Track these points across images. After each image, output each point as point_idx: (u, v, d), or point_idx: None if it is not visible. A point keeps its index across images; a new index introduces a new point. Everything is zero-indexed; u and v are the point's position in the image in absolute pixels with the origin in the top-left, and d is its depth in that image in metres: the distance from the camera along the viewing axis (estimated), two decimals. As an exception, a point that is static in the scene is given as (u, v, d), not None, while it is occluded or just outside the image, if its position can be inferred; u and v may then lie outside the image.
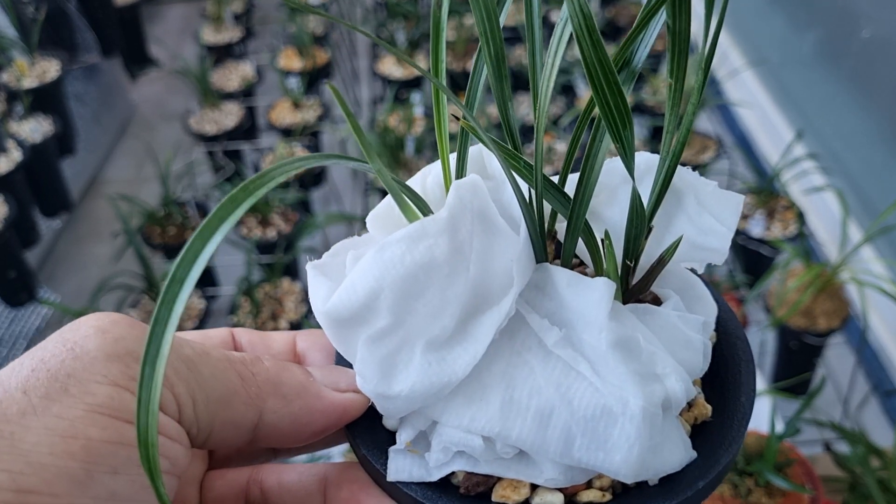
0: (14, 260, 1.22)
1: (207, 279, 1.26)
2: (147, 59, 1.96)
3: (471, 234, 0.22)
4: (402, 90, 1.45)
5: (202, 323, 1.08)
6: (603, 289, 0.22)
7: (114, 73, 1.85)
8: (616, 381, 0.21)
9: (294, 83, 1.47)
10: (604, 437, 0.21)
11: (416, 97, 1.34)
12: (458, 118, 0.21)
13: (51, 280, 1.44)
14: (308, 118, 1.45)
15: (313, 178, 1.39)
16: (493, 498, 0.22)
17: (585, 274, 0.24)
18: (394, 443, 0.23)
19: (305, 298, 1.13)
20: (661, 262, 0.23)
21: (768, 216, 1.11)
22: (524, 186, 0.23)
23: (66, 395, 0.19)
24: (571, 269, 0.24)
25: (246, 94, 1.56)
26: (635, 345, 0.22)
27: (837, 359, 1.04)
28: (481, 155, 0.26)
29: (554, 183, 0.23)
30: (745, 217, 1.12)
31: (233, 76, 1.60)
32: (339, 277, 0.23)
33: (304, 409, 0.23)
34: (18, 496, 0.17)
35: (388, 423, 0.24)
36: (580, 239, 0.24)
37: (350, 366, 0.24)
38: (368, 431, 0.24)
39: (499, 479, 0.23)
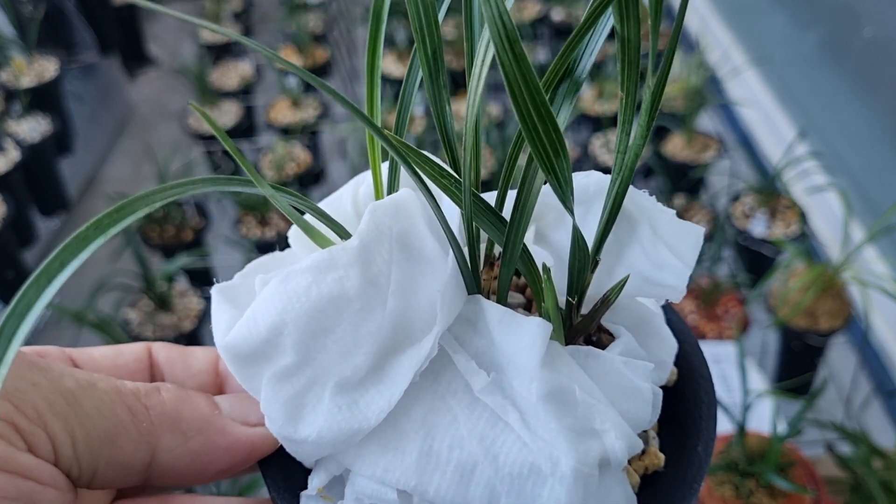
0: (12, 260, 1.21)
1: (206, 279, 1.25)
2: (145, 57, 1.95)
3: (388, 263, 0.20)
4: (401, 89, 1.44)
5: (201, 323, 1.08)
6: (536, 331, 0.20)
7: (112, 72, 1.85)
8: (547, 437, 0.19)
9: (293, 82, 1.46)
10: (531, 498, 0.19)
11: (415, 96, 1.34)
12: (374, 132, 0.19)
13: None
14: (307, 117, 1.45)
15: (313, 178, 1.38)
16: None
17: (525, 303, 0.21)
18: (306, 485, 0.22)
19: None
20: (606, 303, 0.21)
21: (770, 216, 1.10)
22: (455, 209, 0.21)
23: None
24: (506, 301, 0.22)
25: (244, 92, 1.56)
26: (570, 397, 0.20)
27: (839, 359, 1.03)
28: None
29: (488, 204, 0.20)
30: (746, 217, 1.12)
31: (231, 75, 1.59)
32: (247, 303, 0.21)
33: (205, 446, 0.21)
34: None
35: (306, 462, 0.22)
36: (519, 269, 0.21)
37: None
38: (282, 469, 0.22)
39: None
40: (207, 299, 1.21)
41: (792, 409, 0.82)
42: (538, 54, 1.50)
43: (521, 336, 0.20)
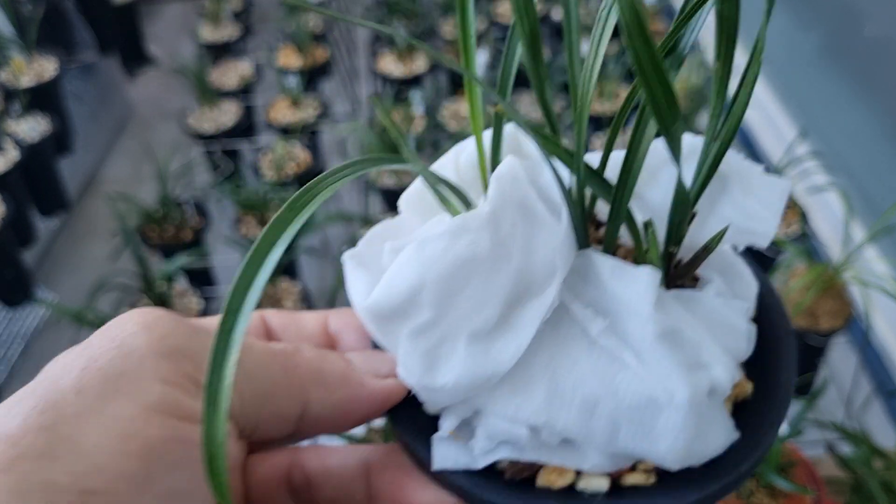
0: (11, 260, 1.21)
1: (205, 279, 1.25)
2: (145, 57, 1.95)
3: (513, 226, 0.22)
4: (401, 88, 1.44)
5: (200, 323, 1.08)
6: (648, 279, 0.22)
7: (111, 72, 1.85)
8: (662, 372, 0.21)
9: (293, 81, 1.46)
10: (649, 427, 0.21)
11: (415, 96, 1.34)
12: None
13: (48, 280, 1.43)
14: (307, 117, 1.45)
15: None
16: (538, 483, 0.22)
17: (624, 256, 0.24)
18: (436, 428, 0.23)
19: (304, 298, 1.12)
20: (707, 250, 0.23)
21: (770, 215, 1.10)
22: (563, 172, 0.23)
23: (120, 394, 0.19)
24: (614, 254, 0.24)
25: (244, 92, 1.56)
26: (681, 335, 0.22)
27: (840, 359, 1.03)
28: (516, 134, 0.25)
29: (594, 170, 0.23)
30: (746, 216, 1.11)
31: (231, 74, 1.59)
32: (376, 268, 0.23)
33: (346, 397, 0.23)
34: (82, 497, 0.17)
35: (430, 408, 0.24)
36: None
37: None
38: (410, 417, 0.24)
39: (544, 465, 0.23)
40: (207, 299, 1.21)
41: (792, 410, 0.82)
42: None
43: (633, 283, 0.22)
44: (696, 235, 0.23)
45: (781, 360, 0.24)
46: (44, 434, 0.18)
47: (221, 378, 0.16)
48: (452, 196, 0.23)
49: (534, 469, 0.23)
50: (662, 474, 0.22)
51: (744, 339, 0.24)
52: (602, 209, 0.24)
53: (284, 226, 0.17)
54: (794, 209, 1.10)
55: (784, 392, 0.24)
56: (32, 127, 1.35)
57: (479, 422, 0.23)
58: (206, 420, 0.16)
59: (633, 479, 0.22)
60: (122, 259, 1.13)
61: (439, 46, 1.58)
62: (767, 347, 0.25)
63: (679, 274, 0.24)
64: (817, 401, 0.71)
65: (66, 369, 0.19)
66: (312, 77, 1.56)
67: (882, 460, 0.72)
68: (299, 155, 1.37)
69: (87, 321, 0.94)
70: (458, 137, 1.24)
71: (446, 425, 0.23)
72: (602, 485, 0.22)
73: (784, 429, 0.70)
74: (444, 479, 0.23)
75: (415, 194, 0.25)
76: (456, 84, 1.49)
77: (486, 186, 0.24)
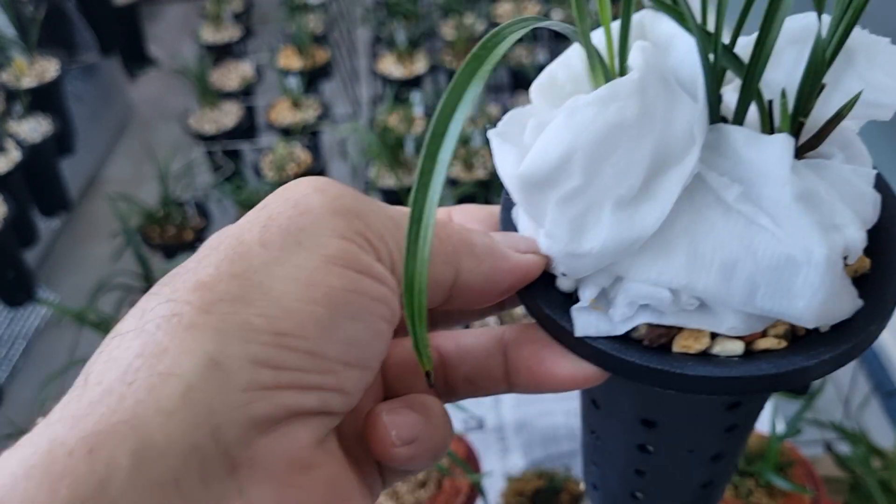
0: (13, 260, 1.22)
1: (207, 279, 1.25)
2: (146, 58, 1.96)
3: (657, 94, 0.23)
4: (401, 90, 1.45)
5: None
6: (783, 144, 0.22)
7: (113, 73, 1.85)
8: (799, 232, 0.22)
9: (293, 82, 1.46)
10: (787, 285, 0.22)
11: (415, 97, 1.34)
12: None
13: (49, 280, 1.43)
14: (307, 117, 1.45)
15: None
16: (675, 348, 0.23)
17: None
18: (568, 304, 0.24)
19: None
20: (838, 117, 0.23)
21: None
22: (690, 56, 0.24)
23: (301, 247, 0.20)
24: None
25: (245, 93, 1.56)
26: (817, 196, 0.22)
27: (838, 359, 1.03)
28: (642, 24, 0.26)
29: (728, 47, 0.24)
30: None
31: (232, 75, 1.59)
32: (519, 143, 0.24)
33: (493, 268, 0.24)
34: (276, 338, 0.19)
35: (563, 284, 0.25)
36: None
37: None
38: (545, 293, 0.25)
39: (679, 331, 0.23)
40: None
41: (791, 409, 0.82)
42: (538, 55, 1.50)
43: (769, 150, 0.23)
44: (820, 110, 0.24)
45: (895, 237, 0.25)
46: (236, 281, 0.19)
47: (427, 197, 0.17)
48: (599, 66, 0.24)
49: (670, 335, 0.23)
50: (792, 340, 0.23)
51: (871, 205, 0.24)
52: (727, 91, 0.25)
53: (480, 62, 0.19)
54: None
55: None
56: (34, 127, 1.35)
57: (619, 289, 0.23)
58: (407, 260, 0.17)
59: (765, 343, 0.23)
60: (123, 259, 1.13)
61: (439, 48, 1.58)
62: (881, 228, 0.25)
63: (806, 145, 0.24)
64: (815, 400, 0.71)
65: (246, 227, 0.21)
66: (313, 78, 1.57)
67: (880, 459, 0.72)
68: (300, 156, 1.37)
69: (88, 321, 0.94)
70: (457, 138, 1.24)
71: (587, 294, 0.24)
72: (737, 348, 0.23)
73: (782, 428, 0.70)
74: (585, 347, 0.24)
75: (546, 81, 0.26)
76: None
77: (607, 79, 0.24)
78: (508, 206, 0.27)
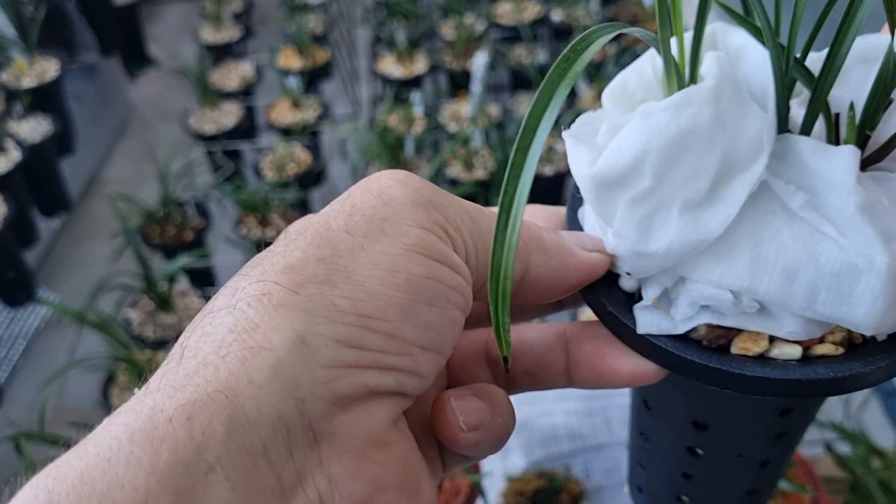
0: (13, 260, 1.22)
1: (207, 279, 1.26)
2: (146, 58, 1.96)
3: (730, 102, 0.24)
4: (401, 90, 1.45)
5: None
6: (850, 155, 0.23)
7: (113, 73, 1.85)
8: (862, 241, 0.22)
9: (293, 82, 1.46)
10: (848, 292, 0.22)
11: (415, 97, 1.34)
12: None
13: (49, 280, 1.43)
14: (307, 117, 1.45)
15: (313, 178, 1.39)
16: (733, 350, 0.24)
17: None
18: (629, 303, 0.25)
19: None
20: None
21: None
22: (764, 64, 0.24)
23: (384, 235, 0.21)
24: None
25: (245, 93, 1.56)
26: (881, 206, 0.23)
27: (838, 359, 1.03)
28: (714, 35, 0.27)
29: (798, 58, 0.24)
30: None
31: (232, 75, 1.60)
32: (592, 145, 0.25)
33: (561, 264, 0.24)
34: (359, 319, 0.20)
35: (626, 284, 0.25)
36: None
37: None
38: (608, 292, 0.25)
39: (738, 333, 0.24)
40: (208, 299, 1.21)
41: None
42: (538, 55, 1.50)
43: (836, 160, 0.23)
44: (886, 125, 0.24)
45: None
46: (322, 265, 0.20)
47: (518, 189, 0.18)
48: (675, 74, 0.25)
49: (729, 337, 0.24)
50: (849, 348, 0.23)
51: None
52: (795, 104, 0.25)
53: (570, 63, 0.20)
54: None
55: None
56: (34, 127, 1.35)
57: (682, 289, 0.24)
58: (494, 248, 0.18)
59: (822, 349, 0.23)
60: (123, 259, 1.13)
61: (439, 48, 1.58)
62: None
63: (872, 158, 0.25)
64: (815, 400, 0.71)
65: (332, 215, 0.22)
66: (313, 78, 1.57)
67: (880, 459, 0.72)
68: (300, 155, 1.37)
69: (88, 321, 0.94)
70: (457, 138, 1.25)
71: (650, 293, 0.24)
72: (794, 352, 0.23)
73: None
74: (646, 345, 0.24)
75: (618, 87, 0.27)
76: (455, 85, 1.50)
77: (679, 88, 0.25)
78: (575, 205, 0.28)
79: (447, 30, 1.57)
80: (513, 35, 1.56)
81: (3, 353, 1.29)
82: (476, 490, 0.72)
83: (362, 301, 0.20)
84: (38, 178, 1.36)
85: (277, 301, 0.19)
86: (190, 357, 0.19)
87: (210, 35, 1.72)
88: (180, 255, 1.11)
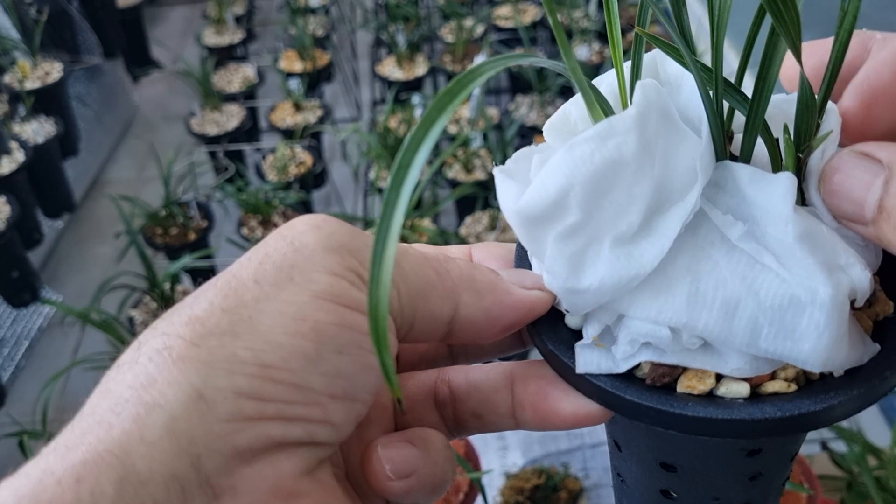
0: (17, 260, 1.23)
1: (208, 279, 1.26)
2: (149, 60, 1.97)
3: (656, 132, 0.23)
4: (402, 92, 1.46)
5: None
6: (786, 182, 0.22)
7: (116, 75, 1.86)
8: (803, 272, 0.21)
9: (295, 85, 1.47)
10: (791, 327, 0.21)
11: (416, 98, 1.35)
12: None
13: (53, 280, 1.44)
14: (309, 119, 1.46)
15: (314, 179, 1.40)
16: (679, 388, 0.23)
17: None
18: (575, 340, 0.24)
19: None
20: (809, 149, 0.23)
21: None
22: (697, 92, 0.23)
23: (293, 283, 0.21)
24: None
25: (247, 95, 1.57)
26: (820, 236, 0.22)
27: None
28: (654, 62, 0.26)
29: (731, 83, 0.24)
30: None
31: (234, 78, 1.61)
32: (524, 180, 0.24)
33: (495, 303, 0.24)
34: (262, 370, 0.19)
35: (571, 321, 0.24)
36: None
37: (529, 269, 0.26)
38: (552, 330, 0.25)
39: (684, 370, 0.23)
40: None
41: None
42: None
43: (773, 188, 0.22)
44: (817, 148, 0.23)
45: None
46: (227, 315, 0.20)
47: (390, 228, 0.17)
48: (595, 102, 0.24)
49: (674, 374, 0.23)
50: (802, 384, 0.22)
51: (870, 249, 0.23)
52: (738, 128, 0.24)
53: (451, 97, 0.19)
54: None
55: None
56: (37, 129, 1.36)
57: (621, 327, 0.23)
58: (370, 287, 0.17)
59: (773, 386, 0.22)
60: (126, 259, 1.14)
61: (439, 50, 1.59)
62: None
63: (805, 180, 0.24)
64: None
65: (243, 264, 0.21)
66: (314, 80, 1.58)
67: (876, 458, 0.73)
68: (301, 157, 1.38)
69: (91, 321, 0.95)
70: (457, 140, 1.26)
71: (589, 331, 0.24)
72: (742, 390, 0.22)
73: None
74: (587, 385, 0.23)
75: (559, 120, 0.26)
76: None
77: (607, 115, 0.24)
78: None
79: (447, 33, 1.58)
80: (512, 37, 1.57)
81: (7, 353, 1.29)
82: (476, 487, 0.72)
83: (265, 351, 0.19)
84: (42, 180, 1.37)
85: (178, 354, 0.19)
86: (88, 415, 0.19)
87: (212, 38, 1.73)
88: (183, 255, 1.12)
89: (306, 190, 1.36)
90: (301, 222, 0.22)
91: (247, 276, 0.21)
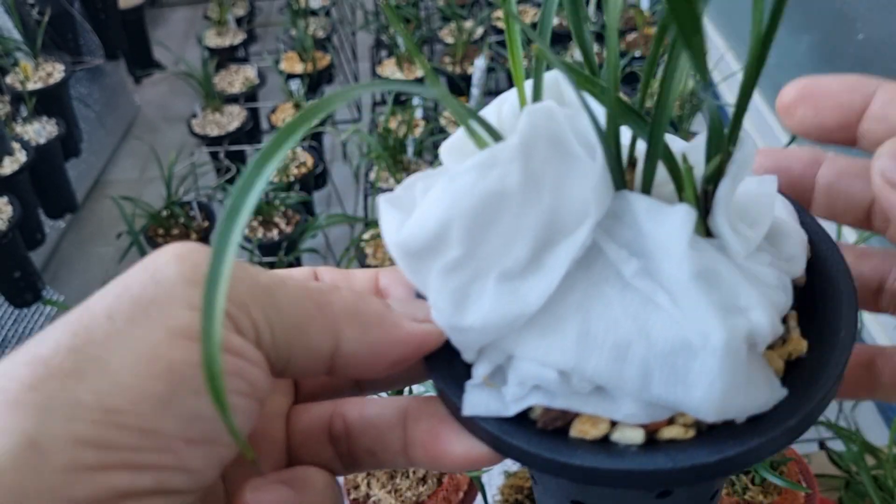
0: (19, 261, 1.23)
1: (210, 280, 1.27)
2: (151, 61, 1.97)
3: (544, 161, 0.21)
4: (402, 93, 1.46)
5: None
6: (684, 216, 0.21)
7: (118, 76, 1.87)
8: (696, 314, 0.20)
9: (296, 86, 1.48)
10: (684, 373, 0.20)
11: (416, 100, 1.35)
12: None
13: (55, 280, 1.45)
14: (310, 120, 1.46)
15: (315, 180, 1.40)
16: (572, 433, 0.21)
17: None
18: (470, 378, 0.23)
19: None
20: (707, 181, 0.22)
21: (766, 218, 1.11)
22: (600, 112, 0.22)
23: (149, 319, 0.19)
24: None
25: (248, 97, 1.58)
26: (717, 276, 0.21)
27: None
28: (558, 82, 0.25)
29: (630, 105, 0.22)
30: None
31: (235, 79, 1.61)
32: (410, 209, 0.23)
33: (381, 337, 0.22)
34: (106, 415, 0.18)
35: (467, 356, 0.23)
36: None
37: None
38: (447, 365, 0.23)
39: (577, 414, 0.22)
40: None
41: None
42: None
43: (669, 222, 0.21)
44: (729, 179, 0.22)
45: (839, 317, 0.23)
46: (72, 355, 0.18)
47: (219, 278, 0.16)
48: (485, 133, 0.22)
49: (567, 418, 0.22)
50: (702, 430, 0.21)
51: (778, 289, 0.22)
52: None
53: (302, 121, 0.18)
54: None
55: (840, 350, 0.22)
56: (39, 130, 1.37)
57: (511, 367, 0.22)
58: (203, 339, 0.16)
59: (670, 432, 0.21)
60: (128, 260, 1.14)
61: (440, 52, 1.60)
62: (826, 305, 0.23)
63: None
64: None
65: (100, 297, 0.20)
66: (315, 82, 1.58)
67: (874, 457, 0.73)
68: (302, 158, 1.39)
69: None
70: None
71: (479, 371, 0.22)
72: (636, 437, 0.21)
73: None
74: (476, 427, 0.22)
75: (457, 142, 0.25)
76: (455, 89, 1.51)
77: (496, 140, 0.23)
78: None
79: (447, 34, 1.59)
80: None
81: (9, 353, 1.30)
82: (475, 486, 0.73)
83: (112, 394, 0.18)
84: (44, 180, 1.37)
85: (12, 399, 0.17)
86: None
87: (214, 39, 1.74)
88: (184, 255, 1.12)
89: (307, 191, 1.36)
90: (166, 252, 0.21)
91: (101, 310, 0.19)
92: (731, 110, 0.23)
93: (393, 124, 1.30)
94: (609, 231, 0.22)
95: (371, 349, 0.22)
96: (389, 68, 1.55)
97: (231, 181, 1.35)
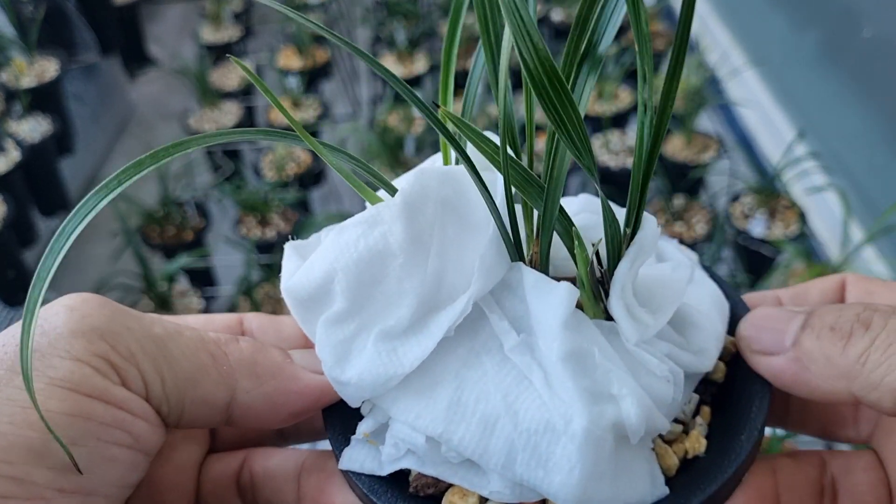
0: (12, 260, 1.22)
1: (206, 279, 1.25)
2: (146, 58, 1.96)
3: (431, 224, 0.21)
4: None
5: (201, 323, 1.08)
6: (563, 294, 0.21)
7: (113, 73, 1.85)
8: (563, 396, 0.20)
9: (293, 82, 1.46)
10: (546, 455, 0.20)
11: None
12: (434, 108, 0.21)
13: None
14: (307, 117, 1.45)
15: (313, 178, 1.39)
16: (444, 503, 0.21)
17: None
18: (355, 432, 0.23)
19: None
20: (587, 263, 0.21)
21: (769, 216, 1.10)
22: (500, 180, 0.21)
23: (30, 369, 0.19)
24: (548, 270, 0.22)
25: (245, 93, 1.56)
26: (590, 360, 0.20)
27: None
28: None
29: (528, 171, 0.21)
30: (746, 217, 1.12)
31: (232, 75, 1.60)
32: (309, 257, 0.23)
33: (278, 389, 0.23)
34: None
35: (363, 410, 0.23)
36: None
37: None
38: (342, 418, 0.23)
39: (450, 484, 0.22)
40: (207, 299, 1.22)
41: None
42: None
43: (549, 298, 0.21)
44: (629, 262, 0.22)
45: (748, 420, 0.22)
46: None
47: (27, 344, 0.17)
48: (380, 185, 0.22)
49: (441, 487, 0.22)
50: None
51: (663, 382, 0.22)
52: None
53: (138, 169, 0.18)
54: (792, 209, 1.10)
55: (736, 454, 0.21)
56: (33, 127, 1.35)
57: (389, 427, 0.22)
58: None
59: None
60: (123, 259, 1.13)
61: (439, 47, 1.58)
62: (738, 405, 0.23)
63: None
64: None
65: None
66: (313, 78, 1.57)
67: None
68: (300, 156, 1.37)
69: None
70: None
71: (362, 427, 0.22)
72: None
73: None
74: (351, 482, 0.22)
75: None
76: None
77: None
78: None
79: (443, 33, 1.57)
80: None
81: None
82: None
83: None
84: (38, 178, 1.36)
85: None
86: None
87: (210, 35, 1.72)
88: (180, 255, 1.11)
89: (305, 189, 1.35)
90: (59, 303, 0.21)
91: None
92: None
93: (392, 121, 1.29)
94: (501, 302, 0.22)
95: (267, 400, 0.23)
96: (388, 64, 1.54)
97: (228, 179, 1.33)
